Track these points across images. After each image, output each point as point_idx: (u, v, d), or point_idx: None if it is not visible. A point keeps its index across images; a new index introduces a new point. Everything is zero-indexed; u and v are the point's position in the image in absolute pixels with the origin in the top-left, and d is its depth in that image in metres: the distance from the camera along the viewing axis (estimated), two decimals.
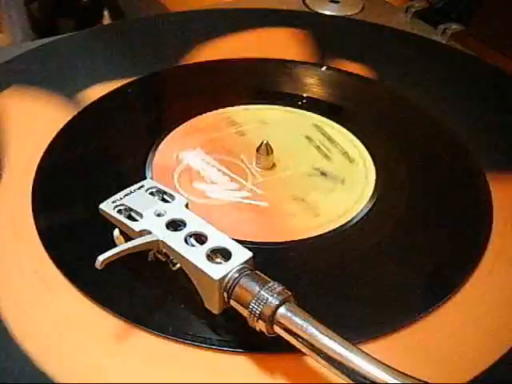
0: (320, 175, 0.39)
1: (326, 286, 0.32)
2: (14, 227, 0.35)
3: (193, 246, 0.29)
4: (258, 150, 0.39)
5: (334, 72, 0.49)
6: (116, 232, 0.31)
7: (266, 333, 0.27)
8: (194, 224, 0.30)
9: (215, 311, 0.29)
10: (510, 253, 0.34)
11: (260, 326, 0.27)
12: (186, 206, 0.32)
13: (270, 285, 0.27)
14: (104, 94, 0.45)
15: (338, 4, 0.61)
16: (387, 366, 0.24)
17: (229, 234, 0.30)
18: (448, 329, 0.30)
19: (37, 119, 0.43)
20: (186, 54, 0.50)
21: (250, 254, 0.29)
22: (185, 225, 0.30)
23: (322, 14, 0.59)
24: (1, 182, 0.37)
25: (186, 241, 0.29)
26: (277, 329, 0.27)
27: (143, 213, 0.31)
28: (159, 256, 0.31)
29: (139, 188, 0.33)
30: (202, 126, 0.43)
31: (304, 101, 0.46)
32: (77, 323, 0.30)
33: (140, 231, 0.30)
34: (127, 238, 0.31)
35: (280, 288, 0.27)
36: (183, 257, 0.29)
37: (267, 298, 0.26)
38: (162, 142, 0.41)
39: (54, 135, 0.41)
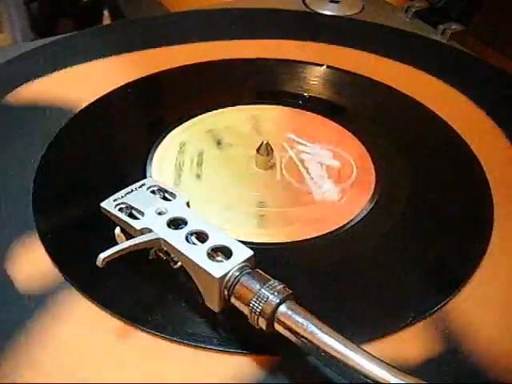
0: None
1: (326, 286, 0.32)
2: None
3: (194, 244, 0.29)
4: (257, 151, 0.39)
5: (334, 71, 0.49)
6: (117, 230, 0.31)
7: (267, 331, 0.27)
8: (195, 222, 0.30)
9: (216, 309, 0.29)
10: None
11: (261, 324, 0.27)
12: (187, 204, 0.32)
13: (270, 283, 0.27)
14: (104, 93, 0.45)
15: (338, 4, 0.61)
16: (388, 364, 0.24)
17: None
18: (449, 329, 0.30)
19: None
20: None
21: (250, 252, 0.29)
22: (186, 223, 0.30)
23: (322, 14, 0.60)
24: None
25: (186, 239, 0.29)
26: (277, 327, 0.27)
27: (144, 211, 0.31)
28: (160, 254, 0.31)
29: (140, 186, 0.33)
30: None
31: (304, 100, 0.46)
32: (76, 323, 0.30)
33: (141, 229, 0.30)
34: (128, 237, 0.31)
35: (281, 286, 0.27)
36: (184, 255, 0.29)
37: (268, 296, 0.26)
38: (163, 142, 0.41)
39: (54, 134, 0.41)
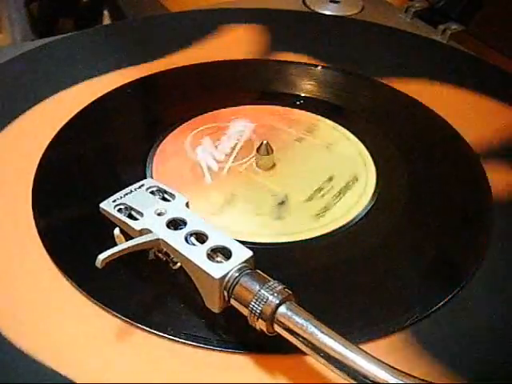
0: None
1: (325, 286, 0.32)
2: (14, 227, 0.35)
3: (193, 245, 0.29)
4: (257, 151, 0.39)
5: (331, 71, 0.49)
6: (116, 231, 0.31)
7: (267, 332, 0.27)
8: (195, 223, 0.30)
9: (215, 310, 0.29)
10: None
11: (260, 325, 0.27)
12: (187, 205, 0.32)
13: (270, 284, 0.27)
14: (104, 93, 0.45)
15: (338, 4, 0.61)
16: (388, 365, 0.24)
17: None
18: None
19: (37, 117, 0.43)
20: (185, 54, 0.50)
21: (250, 253, 0.29)
22: (185, 224, 0.30)
23: (322, 14, 0.59)
24: (1, 182, 0.37)
25: (186, 240, 0.29)
26: (277, 328, 0.27)
27: (144, 212, 0.31)
28: (159, 255, 0.31)
29: (140, 187, 0.33)
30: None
31: (302, 101, 0.46)
32: (76, 323, 0.30)
33: (140, 230, 0.30)
34: (128, 237, 0.31)
35: (280, 287, 0.27)
36: (183, 256, 0.29)
37: (267, 297, 0.26)
38: (163, 142, 0.41)
39: (54, 134, 0.41)
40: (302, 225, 0.35)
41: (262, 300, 0.26)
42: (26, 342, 0.29)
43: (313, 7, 0.60)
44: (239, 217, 0.36)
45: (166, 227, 0.30)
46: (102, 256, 0.28)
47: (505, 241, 0.35)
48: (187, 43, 0.52)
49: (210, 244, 0.29)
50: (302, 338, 0.26)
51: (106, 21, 0.85)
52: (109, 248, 0.29)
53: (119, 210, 0.31)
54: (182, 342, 0.29)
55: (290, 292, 0.27)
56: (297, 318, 0.26)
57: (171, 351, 0.29)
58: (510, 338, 0.30)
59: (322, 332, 0.25)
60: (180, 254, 0.29)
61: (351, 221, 0.36)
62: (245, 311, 0.27)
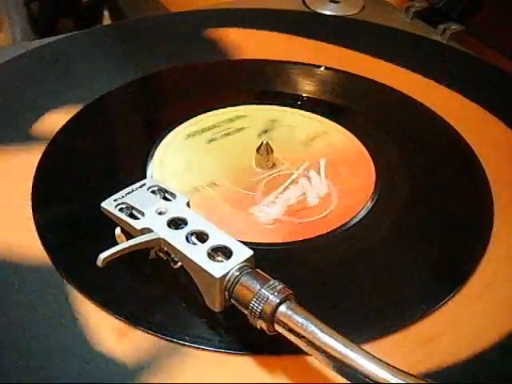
0: None
1: (326, 286, 0.32)
2: (14, 226, 0.35)
3: (194, 244, 0.29)
4: (257, 151, 0.39)
5: (331, 71, 0.49)
6: (117, 230, 0.31)
7: (267, 331, 0.27)
8: (195, 222, 0.30)
9: (216, 309, 0.29)
10: None
11: (261, 324, 0.27)
12: (188, 204, 0.32)
13: (270, 283, 0.27)
14: (104, 93, 0.45)
15: (338, 4, 0.61)
16: (389, 364, 0.24)
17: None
18: (451, 328, 0.30)
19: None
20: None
21: (250, 252, 0.29)
22: (186, 223, 0.30)
23: (322, 14, 0.60)
24: (1, 182, 0.37)
25: (187, 239, 0.29)
26: (277, 327, 0.27)
27: (144, 211, 0.31)
28: (160, 254, 0.31)
29: (141, 186, 0.33)
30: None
31: (303, 101, 0.46)
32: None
33: (141, 229, 0.30)
34: (129, 237, 0.31)
35: (281, 286, 0.27)
36: (184, 255, 0.29)
37: (268, 297, 0.26)
38: (163, 142, 0.41)
39: (54, 134, 0.41)
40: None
41: (262, 299, 0.26)
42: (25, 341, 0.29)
43: (313, 7, 0.60)
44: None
45: (166, 226, 0.30)
46: (103, 255, 0.28)
47: (505, 241, 0.35)
48: (187, 43, 0.52)
49: (210, 243, 0.29)
50: (303, 337, 0.26)
51: (106, 21, 0.85)
52: (109, 247, 0.29)
53: (120, 210, 0.31)
54: (182, 342, 0.29)
55: (291, 291, 0.27)
56: (297, 318, 0.26)
57: (171, 351, 0.29)
58: (510, 338, 0.30)
59: (323, 331, 0.25)
60: (181, 253, 0.29)
61: (351, 221, 0.36)
62: (245, 310, 0.27)
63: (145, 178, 0.38)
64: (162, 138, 0.41)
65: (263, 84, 0.48)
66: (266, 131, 0.43)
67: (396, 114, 0.46)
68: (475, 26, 0.56)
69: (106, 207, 0.32)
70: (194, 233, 0.30)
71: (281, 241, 0.34)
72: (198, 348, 0.29)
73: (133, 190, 0.32)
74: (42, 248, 0.33)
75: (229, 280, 0.27)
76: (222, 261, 0.28)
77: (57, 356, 0.28)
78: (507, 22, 0.54)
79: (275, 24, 0.55)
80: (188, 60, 0.50)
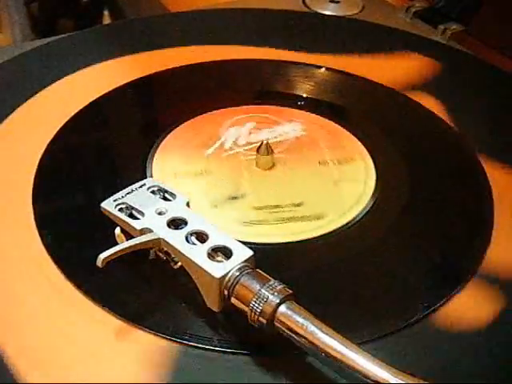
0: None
1: (326, 286, 0.32)
2: (14, 226, 0.35)
3: (194, 244, 0.29)
4: (258, 151, 0.39)
5: (331, 72, 0.49)
6: (117, 230, 0.31)
7: (267, 331, 0.27)
8: (195, 222, 0.30)
9: (216, 310, 0.29)
10: None
11: (261, 324, 0.27)
12: (187, 204, 0.32)
13: (270, 283, 0.27)
14: (104, 93, 0.45)
15: (338, 4, 0.61)
16: (389, 364, 0.24)
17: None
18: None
19: (37, 117, 0.43)
20: (185, 54, 0.50)
21: (250, 252, 0.29)
22: (186, 223, 0.30)
23: (322, 14, 0.60)
24: (1, 182, 0.37)
25: (186, 239, 0.29)
26: (277, 327, 0.27)
27: (144, 211, 0.31)
28: (160, 254, 0.31)
29: (140, 186, 0.33)
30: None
31: (304, 101, 0.46)
32: (76, 323, 0.30)
33: (141, 229, 0.30)
34: (128, 237, 0.31)
35: (281, 286, 0.27)
36: (184, 255, 0.29)
37: (268, 297, 0.26)
38: (163, 141, 0.41)
39: (53, 134, 0.41)
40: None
41: (262, 299, 0.26)
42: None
43: (313, 7, 0.60)
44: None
45: (166, 227, 0.30)
46: (102, 255, 0.28)
47: (505, 241, 0.35)
48: (187, 43, 0.52)
49: (210, 243, 0.29)
50: (303, 337, 0.26)
51: (106, 21, 0.85)
52: (109, 247, 0.29)
53: (120, 210, 0.31)
54: (182, 342, 0.29)
55: (291, 291, 0.27)
56: (297, 318, 0.26)
57: (171, 351, 0.29)
58: (510, 339, 0.30)
59: (323, 331, 0.25)
60: (180, 253, 0.29)
61: (351, 221, 0.36)
62: (245, 310, 0.27)
63: (145, 178, 0.38)
64: (163, 138, 0.41)
65: (263, 84, 0.48)
66: None
67: (396, 114, 0.46)
68: (475, 25, 0.56)
69: (105, 207, 0.32)
70: (194, 233, 0.30)
71: (280, 241, 0.34)
72: (198, 348, 0.29)
73: (133, 190, 0.32)
74: (41, 248, 0.33)
75: (229, 280, 0.27)
76: (221, 261, 0.28)
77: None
78: (507, 21, 0.54)
79: (275, 24, 0.55)
80: (188, 60, 0.50)
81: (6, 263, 0.33)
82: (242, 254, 0.28)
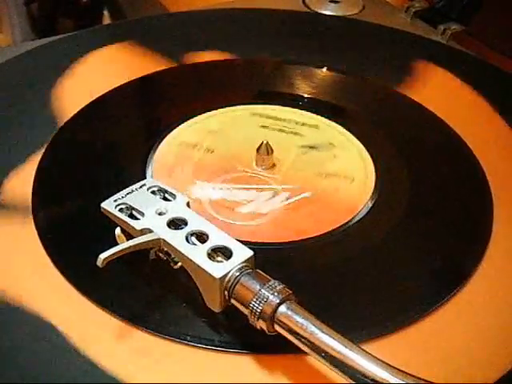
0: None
1: (326, 286, 0.32)
2: (13, 226, 0.35)
3: (194, 244, 0.29)
4: (258, 151, 0.39)
5: (331, 72, 0.49)
6: (117, 231, 0.31)
7: (267, 331, 0.27)
8: (195, 223, 0.30)
9: (216, 310, 0.29)
10: None
11: (261, 324, 0.27)
12: (188, 204, 0.32)
13: (270, 283, 0.27)
14: (104, 93, 0.45)
15: (338, 4, 0.61)
16: (388, 364, 0.24)
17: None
18: (450, 328, 0.30)
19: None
20: (186, 54, 0.50)
21: (250, 252, 0.29)
22: (186, 223, 0.30)
23: (322, 14, 0.60)
24: (1, 182, 0.38)
25: (187, 239, 0.29)
26: (277, 327, 0.27)
27: (145, 211, 0.31)
28: (160, 255, 0.31)
29: (141, 187, 0.33)
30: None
31: (304, 101, 0.46)
32: (76, 323, 0.30)
33: (141, 230, 0.30)
34: (129, 237, 0.31)
35: (281, 286, 0.27)
36: (184, 255, 0.29)
37: (268, 297, 0.26)
38: (163, 141, 0.41)
39: (53, 134, 0.41)
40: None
41: (262, 299, 0.26)
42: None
43: (313, 7, 0.60)
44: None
45: (166, 227, 0.30)
46: (103, 255, 0.28)
47: (505, 241, 0.35)
48: (187, 43, 0.52)
49: (210, 244, 0.29)
50: (303, 337, 0.26)
51: (106, 21, 0.85)
52: (109, 248, 0.29)
53: (120, 210, 0.31)
54: (182, 342, 0.29)
55: (291, 291, 0.27)
56: (297, 318, 0.26)
57: (171, 351, 0.29)
58: (509, 339, 0.30)
59: (323, 331, 0.25)
60: (181, 253, 0.29)
61: (351, 221, 0.36)
62: (245, 311, 0.27)
63: (145, 178, 0.38)
64: (163, 138, 0.41)
65: (263, 84, 0.48)
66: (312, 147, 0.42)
67: (396, 114, 0.46)
68: (475, 25, 0.56)
69: (106, 207, 0.32)
70: (194, 233, 0.30)
71: (279, 240, 0.34)
72: (198, 348, 0.29)
73: (133, 191, 0.32)
74: (41, 247, 0.33)
75: (229, 280, 0.28)
76: (221, 261, 0.28)
77: (57, 356, 0.28)
78: (507, 21, 0.54)
79: (275, 24, 0.55)
80: (188, 59, 0.50)
81: (5, 263, 0.33)
82: (242, 254, 0.28)
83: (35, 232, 0.34)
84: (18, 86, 0.46)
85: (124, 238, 0.31)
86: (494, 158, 0.41)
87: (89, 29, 0.56)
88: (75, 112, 0.43)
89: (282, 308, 0.26)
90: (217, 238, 0.29)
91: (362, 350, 0.25)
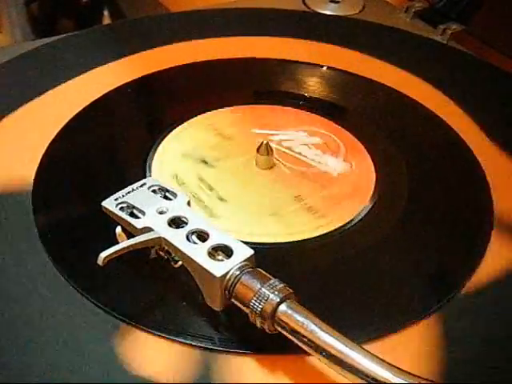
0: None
1: (326, 286, 0.32)
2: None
3: (194, 243, 0.29)
4: (258, 151, 0.39)
5: (334, 72, 0.49)
6: (118, 229, 0.31)
7: (267, 330, 0.27)
8: (196, 221, 0.30)
9: (216, 308, 0.29)
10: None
11: (261, 323, 0.27)
12: (188, 203, 0.32)
13: (271, 282, 0.27)
14: (104, 93, 0.45)
15: (338, 4, 0.61)
16: (389, 364, 0.24)
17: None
18: (451, 328, 0.30)
19: (37, 118, 0.43)
20: (185, 54, 0.50)
21: (251, 251, 0.29)
22: (186, 222, 0.30)
23: (322, 14, 0.60)
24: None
25: (187, 238, 0.29)
26: (278, 326, 0.27)
27: (145, 210, 0.31)
28: (161, 253, 0.31)
29: (141, 186, 0.33)
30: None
31: (304, 101, 0.46)
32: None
33: (142, 228, 0.30)
34: (129, 236, 0.31)
35: (281, 285, 0.27)
36: (185, 254, 0.29)
37: (268, 296, 0.26)
38: (163, 141, 0.41)
39: (54, 134, 0.41)
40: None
41: (262, 298, 0.26)
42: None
43: (313, 7, 0.60)
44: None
45: (167, 225, 0.30)
46: (103, 254, 0.28)
47: (504, 242, 0.35)
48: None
49: (211, 242, 0.29)
50: (303, 336, 0.26)
51: (106, 21, 0.85)
52: (110, 246, 0.29)
53: (121, 209, 0.31)
54: (182, 342, 0.29)
55: (291, 290, 0.27)
56: (297, 317, 0.26)
57: (171, 351, 0.29)
58: (508, 341, 0.30)
59: (323, 330, 0.25)
60: (181, 252, 0.29)
61: (351, 221, 0.36)
62: (246, 309, 0.27)
63: (145, 177, 0.38)
64: (163, 138, 0.42)
65: (263, 84, 0.48)
66: None
67: (396, 114, 0.46)
68: (475, 25, 0.56)
69: (106, 206, 0.32)
70: (195, 232, 0.30)
71: (280, 241, 0.34)
72: (199, 347, 0.29)
73: (133, 189, 0.32)
74: (41, 247, 0.33)
75: (229, 279, 0.28)
76: (222, 260, 0.28)
77: (57, 356, 0.28)
78: (508, 21, 0.54)
79: (275, 24, 0.55)
80: (188, 59, 0.50)
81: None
82: (243, 252, 0.28)
83: (36, 231, 0.34)
84: (17, 86, 0.46)
85: (125, 237, 0.31)
86: (493, 157, 0.41)
87: (89, 29, 0.56)
88: (75, 112, 0.43)
89: (283, 307, 0.26)
90: (217, 236, 0.29)
91: (363, 349, 0.25)
